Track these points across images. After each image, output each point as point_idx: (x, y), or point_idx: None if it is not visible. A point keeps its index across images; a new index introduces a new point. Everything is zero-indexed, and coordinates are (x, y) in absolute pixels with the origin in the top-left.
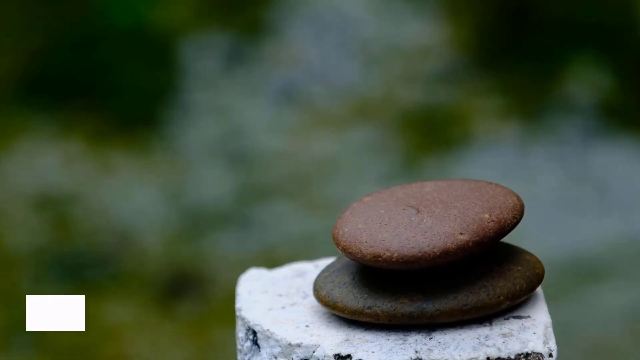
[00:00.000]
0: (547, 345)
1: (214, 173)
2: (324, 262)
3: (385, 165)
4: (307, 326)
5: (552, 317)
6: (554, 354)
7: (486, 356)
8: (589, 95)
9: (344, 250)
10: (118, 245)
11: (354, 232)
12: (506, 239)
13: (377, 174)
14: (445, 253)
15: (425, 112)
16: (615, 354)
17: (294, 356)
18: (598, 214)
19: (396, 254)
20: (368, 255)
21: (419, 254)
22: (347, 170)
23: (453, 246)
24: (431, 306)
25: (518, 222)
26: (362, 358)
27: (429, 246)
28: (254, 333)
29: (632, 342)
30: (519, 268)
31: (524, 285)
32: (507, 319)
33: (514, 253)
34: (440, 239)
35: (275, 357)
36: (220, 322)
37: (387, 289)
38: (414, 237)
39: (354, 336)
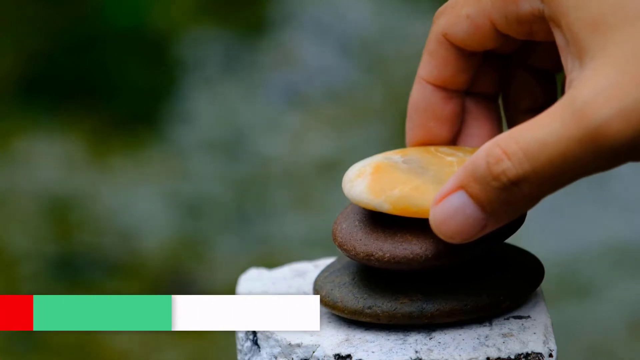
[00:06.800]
0: (547, 345)
1: (213, 173)
2: (324, 262)
3: None
4: None
5: (552, 317)
6: (554, 354)
7: (486, 356)
8: None
9: (340, 246)
10: (118, 244)
11: (351, 229)
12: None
13: None
14: (438, 255)
15: None
16: (615, 354)
17: (294, 356)
18: (598, 213)
19: (388, 254)
20: (361, 254)
21: (411, 255)
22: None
23: (446, 248)
24: (431, 306)
25: None
26: (362, 358)
27: (421, 248)
28: (254, 333)
29: (632, 342)
30: (519, 268)
31: (524, 285)
32: (507, 319)
33: (514, 253)
34: (433, 240)
35: (275, 357)
36: None
37: (387, 289)
38: (408, 238)
39: (354, 336)
